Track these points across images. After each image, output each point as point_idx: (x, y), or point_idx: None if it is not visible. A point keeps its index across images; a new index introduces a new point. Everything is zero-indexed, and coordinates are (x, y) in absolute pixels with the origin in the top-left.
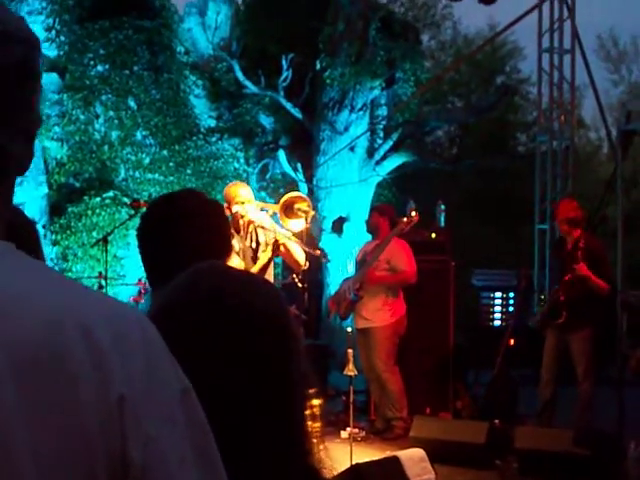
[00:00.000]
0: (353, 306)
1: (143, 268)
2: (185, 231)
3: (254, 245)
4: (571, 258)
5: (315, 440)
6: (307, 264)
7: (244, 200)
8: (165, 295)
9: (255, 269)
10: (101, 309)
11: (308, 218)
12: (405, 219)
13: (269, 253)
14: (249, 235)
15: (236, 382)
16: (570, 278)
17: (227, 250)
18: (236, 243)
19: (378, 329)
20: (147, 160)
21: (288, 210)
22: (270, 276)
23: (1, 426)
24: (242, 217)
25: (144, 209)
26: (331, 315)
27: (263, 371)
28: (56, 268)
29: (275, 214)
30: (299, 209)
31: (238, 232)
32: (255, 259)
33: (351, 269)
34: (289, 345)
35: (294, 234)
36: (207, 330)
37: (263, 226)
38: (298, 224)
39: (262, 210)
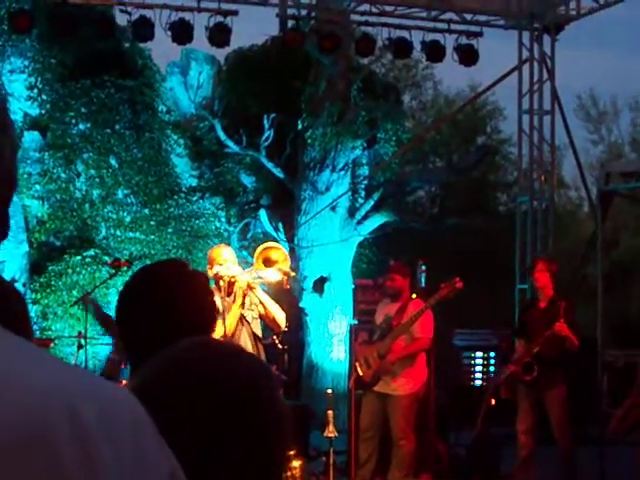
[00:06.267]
0: (381, 372)
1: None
2: (168, 310)
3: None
4: (547, 316)
5: None
6: (286, 325)
7: (226, 260)
8: (148, 371)
9: (230, 321)
10: (87, 389)
11: (288, 277)
12: (444, 286)
13: (239, 300)
14: (232, 295)
15: (218, 453)
16: (550, 334)
17: (212, 324)
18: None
19: (400, 398)
20: (128, 219)
21: (266, 263)
22: (257, 331)
23: None
24: (222, 278)
25: (124, 268)
26: (353, 380)
27: (246, 442)
28: (35, 327)
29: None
30: (279, 269)
31: (219, 292)
32: (241, 319)
33: (339, 329)
34: (274, 416)
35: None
36: (190, 404)
37: (241, 279)
38: (274, 274)
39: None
